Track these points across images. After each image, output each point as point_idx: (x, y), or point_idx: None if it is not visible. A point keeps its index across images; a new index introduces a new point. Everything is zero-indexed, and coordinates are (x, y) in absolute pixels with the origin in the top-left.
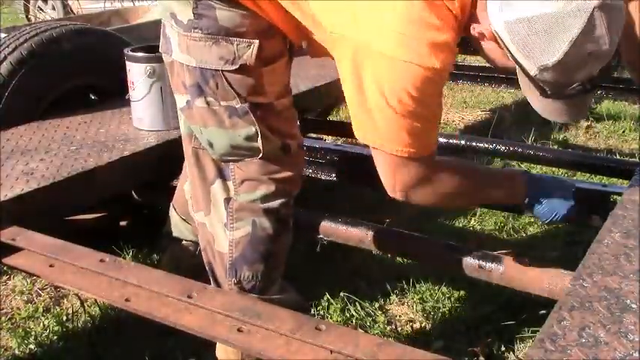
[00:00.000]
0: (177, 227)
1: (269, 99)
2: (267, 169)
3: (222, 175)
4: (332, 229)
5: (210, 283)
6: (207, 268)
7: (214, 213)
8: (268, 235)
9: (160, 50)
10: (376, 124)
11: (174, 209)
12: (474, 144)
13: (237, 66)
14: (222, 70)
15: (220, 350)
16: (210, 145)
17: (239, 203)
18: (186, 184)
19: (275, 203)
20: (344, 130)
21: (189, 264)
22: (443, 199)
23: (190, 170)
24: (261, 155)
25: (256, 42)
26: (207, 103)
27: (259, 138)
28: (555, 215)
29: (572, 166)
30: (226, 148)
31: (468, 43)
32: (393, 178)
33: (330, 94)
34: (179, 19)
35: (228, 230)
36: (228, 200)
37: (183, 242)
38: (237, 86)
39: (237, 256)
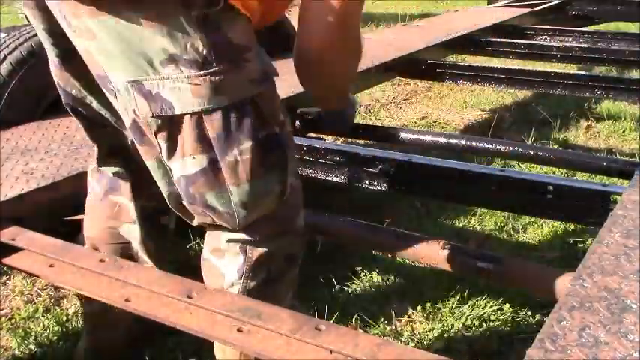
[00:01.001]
0: None
1: (284, 116)
2: (285, 214)
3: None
4: (332, 229)
5: None
6: None
7: (228, 259)
8: (280, 276)
9: (129, 117)
10: None
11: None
12: (473, 144)
13: (269, 82)
14: (256, 95)
15: (218, 350)
16: (244, 206)
17: (256, 255)
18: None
19: (287, 244)
20: None
21: None
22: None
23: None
24: (284, 196)
25: (261, 50)
26: (242, 152)
27: (288, 174)
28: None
29: (572, 166)
30: (261, 202)
31: (467, 44)
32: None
33: None
34: (186, 58)
35: (242, 278)
36: (244, 251)
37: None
38: (271, 108)
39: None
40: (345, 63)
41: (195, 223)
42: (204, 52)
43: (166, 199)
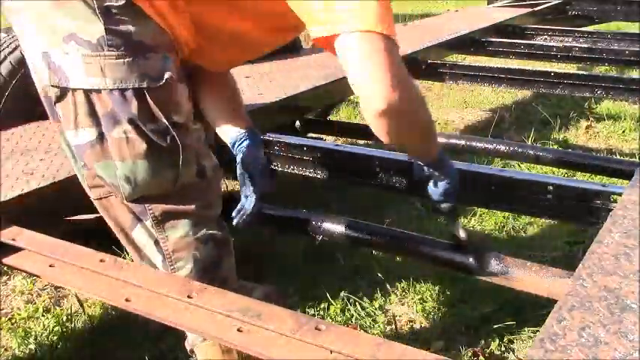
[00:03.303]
0: None
1: (184, 118)
2: (190, 195)
3: (138, 218)
4: (331, 229)
5: None
6: None
7: (148, 258)
8: (212, 263)
9: (41, 85)
10: (358, 3)
11: None
12: (473, 144)
13: (163, 81)
14: (146, 89)
15: (200, 352)
16: (128, 180)
17: (172, 242)
18: None
19: (207, 230)
20: (344, 130)
21: None
22: (419, 106)
23: (108, 224)
24: (177, 184)
25: (171, 56)
26: (125, 132)
27: (180, 163)
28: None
29: (572, 166)
30: (146, 180)
31: (467, 44)
32: (389, 69)
33: (330, 94)
34: (83, 38)
35: (172, 271)
36: (157, 243)
37: None
38: (161, 105)
39: None
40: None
41: (92, 198)
42: (99, 36)
43: (78, 176)
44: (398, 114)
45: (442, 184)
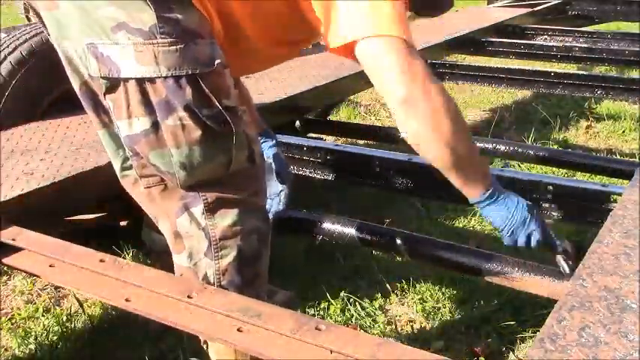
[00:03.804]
0: (156, 238)
1: (234, 102)
2: (241, 182)
3: (187, 205)
4: (332, 229)
5: None
6: None
7: (191, 246)
8: (253, 256)
9: (91, 75)
10: (371, 8)
11: (147, 226)
12: None
13: (214, 67)
14: (198, 74)
15: (212, 350)
16: (184, 167)
17: (220, 231)
18: None
19: (254, 221)
20: (344, 130)
21: None
22: (444, 108)
23: (149, 213)
24: (230, 169)
25: (215, 41)
26: (180, 119)
27: (234, 147)
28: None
29: (572, 166)
30: (202, 166)
31: (467, 44)
32: (409, 69)
33: (330, 94)
34: (134, 27)
35: (212, 260)
36: (204, 229)
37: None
38: (214, 90)
39: (225, 284)
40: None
41: (140, 187)
42: (151, 24)
43: (115, 167)
44: (418, 109)
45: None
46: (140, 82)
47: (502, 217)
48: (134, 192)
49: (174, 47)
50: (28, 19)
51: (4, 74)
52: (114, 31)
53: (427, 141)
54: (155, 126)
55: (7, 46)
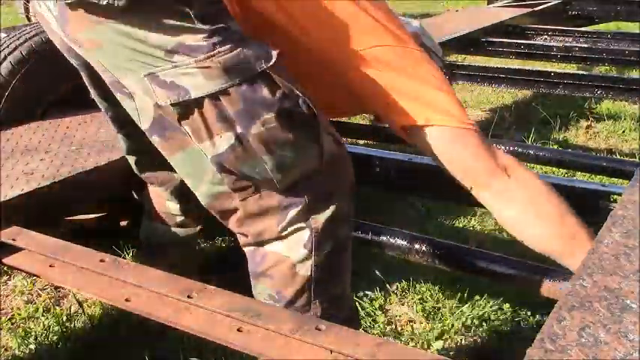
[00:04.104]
0: (152, 227)
1: (301, 87)
2: (332, 173)
3: (287, 206)
4: None
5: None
6: (276, 297)
7: (291, 239)
8: (345, 244)
9: (159, 105)
10: (443, 101)
11: (148, 218)
12: None
13: (275, 57)
14: (267, 69)
15: None
16: (280, 170)
17: (322, 222)
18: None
19: (347, 209)
20: (344, 130)
21: (190, 266)
22: (535, 194)
23: (249, 228)
24: (323, 158)
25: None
26: (264, 123)
27: (321, 137)
28: None
29: (572, 166)
30: (296, 162)
31: (467, 44)
32: (489, 156)
33: None
34: (191, 44)
35: (312, 252)
36: (306, 222)
37: (167, 246)
38: (285, 79)
39: (321, 273)
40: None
41: (233, 204)
42: (206, 37)
43: (198, 196)
44: (514, 199)
45: None
46: (213, 97)
47: None
48: (228, 208)
49: (236, 51)
50: (28, 19)
51: (4, 74)
52: (170, 56)
53: (528, 227)
54: (240, 138)
55: (7, 46)
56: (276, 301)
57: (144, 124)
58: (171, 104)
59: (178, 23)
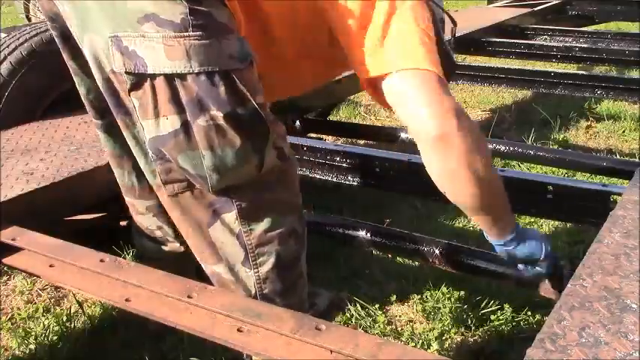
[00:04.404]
0: (145, 248)
1: (263, 97)
2: (273, 182)
3: (218, 212)
4: (332, 229)
5: None
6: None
7: (227, 256)
8: (292, 259)
9: (114, 70)
10: (408, 44)
11: (136, 233)
12: None
13: (247, 62)
14: (232, 70)
15: None
16: (216, 170)
17: (256, 236)
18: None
19: (290, 222)
20: (344, 130)
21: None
22: (477, 146)
23: (178, 223)
24: (262, 169)
25: (243, 37)
26: (213, 118)
27: (268, 144)
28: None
29: (572, 166)
30: (235, 168)
31: (467, 44)
32: (441, 101)
33: (330, 94)
34: (165, 18)
35: (251, 269)
36: (239, 236)
37: (163, 258)
38: (248, 87)
39: (267, 291)
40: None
41: (165, 195)
42: (182, 16)
43: (145, 171)
44: (453, 146)
45: (531, 269)
46: (169, 78)
47: (525, 254)
48: (161, 200)
49: (207, 41)
50: (29, 19)
51: (4, 74)
52: (140, 23)
53: (460, 180)
54: (185, 126)
55: (7, 46)
56: None
57: (100, 85)
58: (126, 72)
59: None
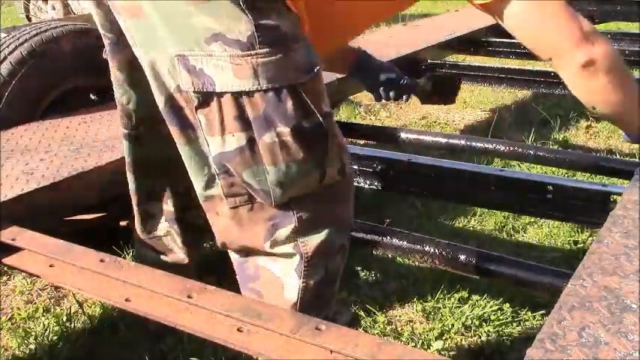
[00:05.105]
0: (148, 256)
1: (329, 106)
2: (332, 196)
3: (278, 224)
4: None
5: None
6: None
7: (282, 260)
8: (336, 274)
9: (180, 88)
10: None
11: (138, 240)
12: (473, 144)
13: (314, 72)
14: (299, 84)
15: None
16: (280, 185)
17: (312, 248)
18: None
19: (342, 239)
20: (344, 130)
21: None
22: (618, 61)
23: (235, 234)
24: (323, 181)
25: (309, 42)
26: (278, 135)
27: (327, 160)
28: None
29: (572, 166)
30: (297, 182)
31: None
32: (576, 24)
33: (330, 94)
34: (231, 38)
35: (301, 278)
36: (296, 247)
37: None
38: (314, 98)
39: (306, 301)
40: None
41: (224, 207)
42: (249, 34)
43: (197, 187)
44: (597, 70)
45: None
46: (236, 96)
47: None
48: (218, 212)
49: (275, 57)
50: (29, 19)
51: (4, 74)
52: (208, 43)
53: (607, 94)
54: (251, 142)
55: (7, 46)
56: None
57: (160, 104)
58: (194, 91)
59: (226, 8)
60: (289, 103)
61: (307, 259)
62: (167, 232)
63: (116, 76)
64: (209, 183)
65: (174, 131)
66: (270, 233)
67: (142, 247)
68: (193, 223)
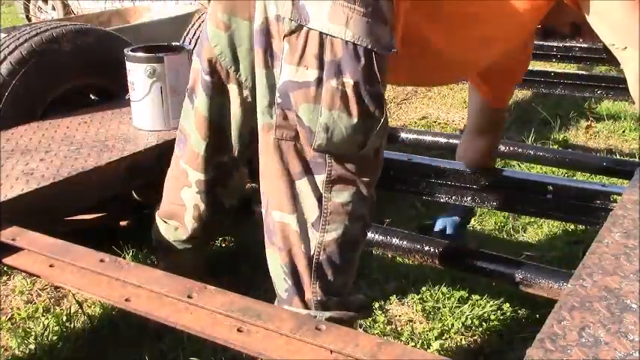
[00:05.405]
0: (165, 233)
1: (384, 90)
2: (362, 168)
3: (310, 170)
4: None
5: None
6: (286, 269)
7: (302, 211)
8: (355, 242)
9: (278, 15)
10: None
11: (158, 215)
12: None
13: (390, 52)
14: (375, 52)
15: None
16: (327, 130)
17: (334, 205)
18: (167, 183)
19: (364, 209)
20: None
21: (188, 269)
22: None
23: (269, 165)
24: (361, 150)
25: (394, 34)
26: (344, 84)
27: (374, 133)
28: None
29: (572, 166)
30: (341, 136)
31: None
32: None
33: None
34: None
35: (318, 232)
36: (319, 199)
37: (178, 249)
38: (381, 72)
39: (324, 259)
40: None
41: (271, 137)
42: None
43: (258, 112)
44: None
45: None
46: (322, 35)
47: None
48: (262, 140)
49: (366, 19)
50: (29, 19)
51: (4, 74)
52: None
53: None
54: (318, 82)
55: (7, 46)
56: (285, 274)
57: (257, 24)
58: (289, 18)
59: None
60: (362, 62)
61: (326, 214)
62: (195, 205)
63: (220, 18)
64: (268, 109)
65: (257, 51)
66: (304, 174)
67: (159, 229)
68: (217, 202)
